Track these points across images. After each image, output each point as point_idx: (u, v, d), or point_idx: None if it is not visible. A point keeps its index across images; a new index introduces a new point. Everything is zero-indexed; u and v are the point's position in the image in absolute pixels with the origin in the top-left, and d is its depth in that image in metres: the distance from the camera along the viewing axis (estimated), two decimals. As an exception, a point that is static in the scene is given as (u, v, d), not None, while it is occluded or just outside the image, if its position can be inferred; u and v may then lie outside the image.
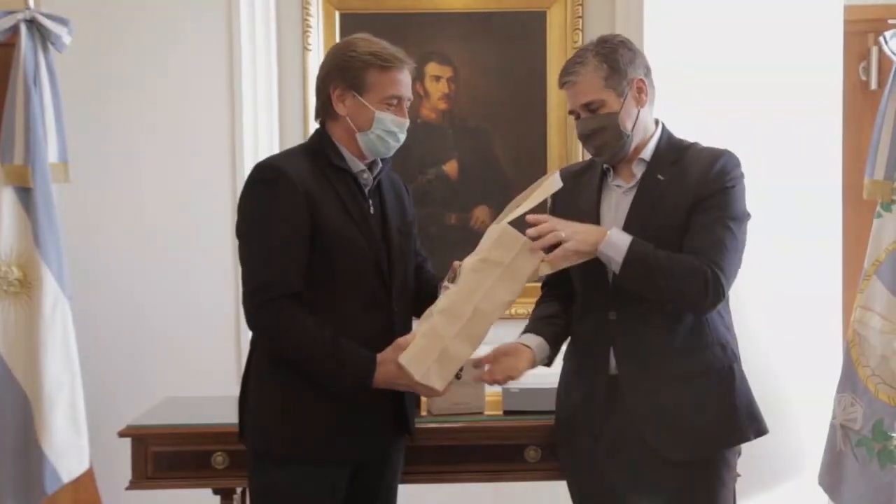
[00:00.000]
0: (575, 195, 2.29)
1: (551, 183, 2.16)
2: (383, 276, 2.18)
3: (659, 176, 2.17)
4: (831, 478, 3.01)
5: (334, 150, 2.17)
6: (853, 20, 3.40)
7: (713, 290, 2.09)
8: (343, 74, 2.15)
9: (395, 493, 2.36)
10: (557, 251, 2.07)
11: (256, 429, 2.19)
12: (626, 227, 2.13)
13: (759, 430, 2.22)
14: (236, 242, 2.18)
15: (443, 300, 2.11)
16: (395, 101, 2.16)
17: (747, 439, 2.22)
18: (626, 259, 2.07)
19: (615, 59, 2.16)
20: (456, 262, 2.16)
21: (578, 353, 2.29)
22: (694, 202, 2.14)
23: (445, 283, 2.14)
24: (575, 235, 2.08)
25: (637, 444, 2.16)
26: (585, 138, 2.21)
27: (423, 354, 2.07)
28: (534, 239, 2.07)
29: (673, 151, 2.22)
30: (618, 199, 2.22)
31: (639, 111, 2.20)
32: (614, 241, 2.09)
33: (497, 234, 2.09)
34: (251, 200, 2.13)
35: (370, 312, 2.16)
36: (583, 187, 2.29)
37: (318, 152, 2.17)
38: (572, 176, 2.34)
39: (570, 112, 2.25)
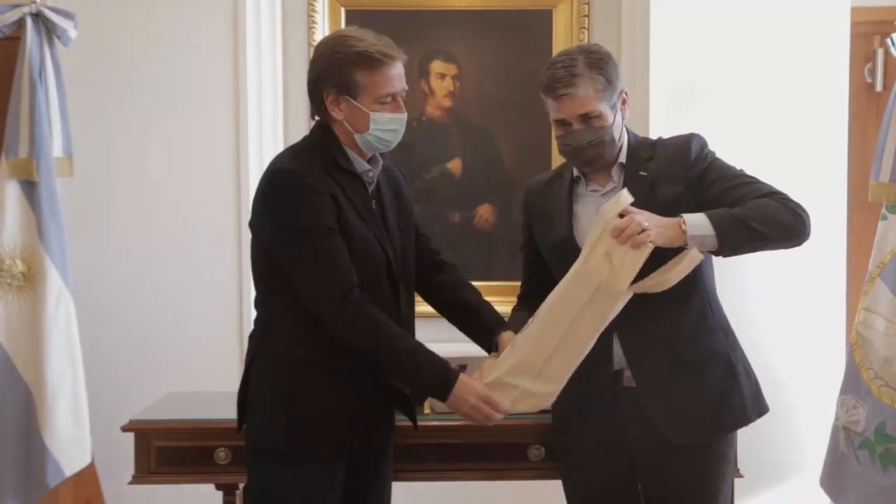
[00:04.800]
0: (546, 204, 2.31)
1: (691, 260, 2.04)
2: (393, 276, 2.18)
3: (641, 173, 2.20)
4: (833, 480, 3.01)
5: (341, 153, 2.16)
6: (859, 22, 3.38)
7: (801, 212, 2.09)
8: (333, 80, 2.11)
9: (390, 486, 2.36)
10: (637, 240, 1.99)
11: (259, 423, 2.18)
12: None
13: (760, 410, 2.27)
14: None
15: (522, 338, 2.13)
16: (389, 99, 2.13)
17: (750, 421, 2.25)
18: (717, 227, 2.02)
19: (608, 71, 2.17)
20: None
21: None
22: (688, 187, 2.16)
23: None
24: (656, 228, 2.01)
25: (644, 432, 2.19)
26: (579, 150, 2.18)
27: (506, 390, 2.11)
28: (618, 236, 2.00)
29: (644, 149, 2.25)
30: (596, 203, 2.22)
31: (623, 121, 2.23)
32: (694, 222, 2.03)
33: (574, 270, 2.05)
34: (285, 206, 2.09)
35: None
36: (553, 195, 2.31)
37: (326, 154, 2.15)
38: (542, 186, 2.37)
39: (559, 121, 2.19)
